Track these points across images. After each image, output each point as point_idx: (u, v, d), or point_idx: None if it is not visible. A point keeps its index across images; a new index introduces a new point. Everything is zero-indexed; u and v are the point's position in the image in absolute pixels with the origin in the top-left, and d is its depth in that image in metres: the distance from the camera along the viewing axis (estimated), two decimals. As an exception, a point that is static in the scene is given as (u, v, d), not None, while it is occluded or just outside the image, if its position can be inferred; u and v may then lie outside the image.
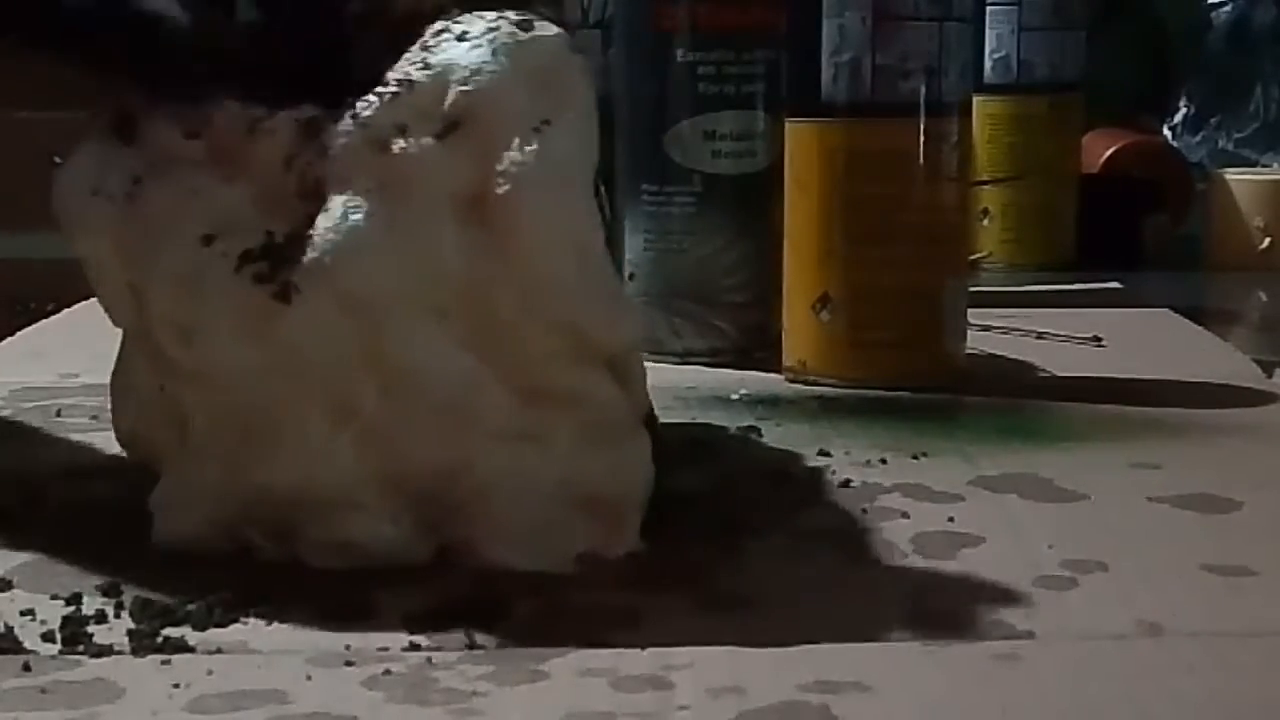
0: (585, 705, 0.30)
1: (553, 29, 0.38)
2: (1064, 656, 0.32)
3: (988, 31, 0.91)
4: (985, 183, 0.91)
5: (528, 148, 0.36)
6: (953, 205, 0.59)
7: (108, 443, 0.44)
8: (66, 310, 0.76)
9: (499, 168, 0.36)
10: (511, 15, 0.38)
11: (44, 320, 0.75)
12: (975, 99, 0.69)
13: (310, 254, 0.35)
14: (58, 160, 0.39)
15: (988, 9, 0.91)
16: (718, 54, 0.63)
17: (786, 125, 0.60)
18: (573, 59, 0.38)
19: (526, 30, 0.38)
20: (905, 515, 0.42)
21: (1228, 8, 1.39)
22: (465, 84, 0.36)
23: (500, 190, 0.36)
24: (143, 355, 0.39)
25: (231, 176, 0.37)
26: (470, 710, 0.30)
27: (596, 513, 0.38)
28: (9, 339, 0.70)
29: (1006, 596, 0.36)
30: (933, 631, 0.34)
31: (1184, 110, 1.40)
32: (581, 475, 0.38)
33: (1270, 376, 0.60)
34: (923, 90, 0.57)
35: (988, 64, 0.92)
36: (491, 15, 0.38)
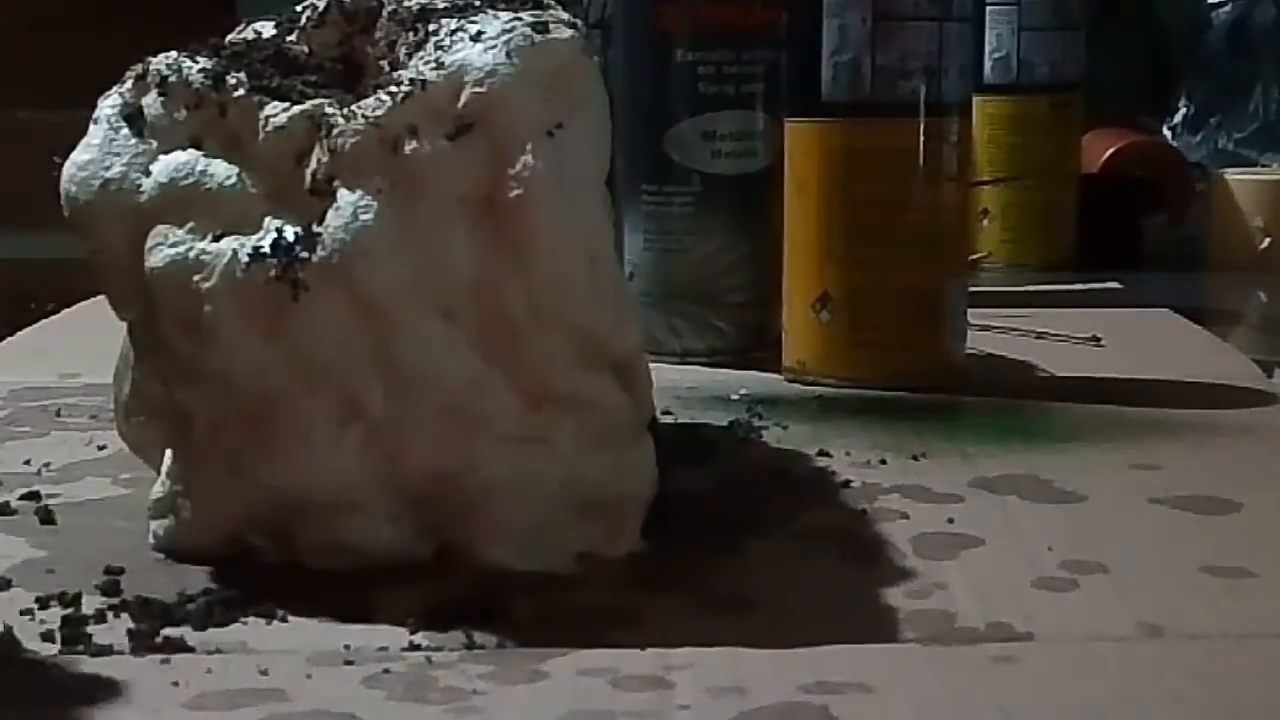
0: (585, 705, 0.30)
1: (567, 31, 0.38)
2: (1064, 658, 0.32)
3: (988, 31, 0.91)
4: (985, 183, 0.91)
5: (540, 152, 0.36)
6: (952, 205, 0.59)
7: (108, 443, 0.44)
8: (67, 310, 0.76)
9: (511, 171, 0.36)
10: (527, 16, 0.38)
11: (45, 320, 0.75)
12: (975, 99, 0.69)
13: (320, 252, 0.35)
14: (58, 160, 0.38)
15: (988, 9, 0.91)
16: (717, 54, 0.63)
17: (786, 125, 0.60)
18: (587, 62, 0.38)
19: (541, 32, 0.37)
20: (905, 516, 0.42)
21: (1227, 8, 1.39)
22: (479, 85, 0.36)
23: (512, 194, 0.36)
24: (147, 351, 0.39)
25: (244, 172, 0.37)
26: (470, 709, 0.30)
27: (598, 514, 0.38)
28: (9, 339, 0.70)
29: (1006, 598, 0.36)
30: (933, 633, 0.34)
31: (1184, 110, 1.40)
32: (585, 478, 0.38)
33: (1270, 377, 0.60)
34: (922, 90, 0.57)
35: (988, 64, 0.92)
36: (507, 15, 0.38)
